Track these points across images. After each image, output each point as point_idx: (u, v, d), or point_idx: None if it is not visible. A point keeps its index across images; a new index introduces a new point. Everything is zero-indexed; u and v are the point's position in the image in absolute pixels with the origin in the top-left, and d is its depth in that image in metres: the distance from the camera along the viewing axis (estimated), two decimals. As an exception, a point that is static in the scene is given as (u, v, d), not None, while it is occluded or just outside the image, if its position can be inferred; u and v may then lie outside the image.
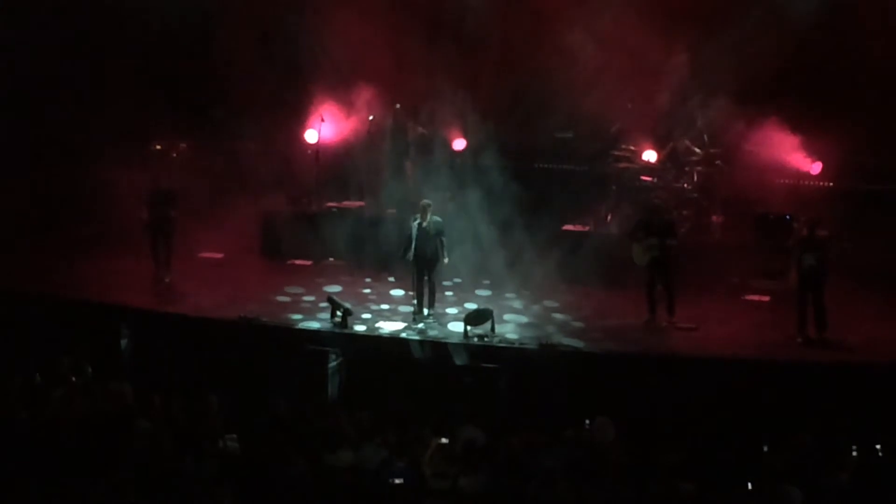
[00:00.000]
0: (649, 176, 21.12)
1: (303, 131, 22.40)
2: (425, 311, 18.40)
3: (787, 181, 20.86)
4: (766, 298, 19.32)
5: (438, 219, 18.31)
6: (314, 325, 18.10)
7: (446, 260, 18.38)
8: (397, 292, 19.77)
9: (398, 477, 12.25)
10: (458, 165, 22.18)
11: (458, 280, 20.15)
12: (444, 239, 18.26)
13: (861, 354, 16.84)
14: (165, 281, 19.78)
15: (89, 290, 18.88)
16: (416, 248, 18.07)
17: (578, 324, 18.55)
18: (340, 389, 16.87)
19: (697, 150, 20.83)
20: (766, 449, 13.42)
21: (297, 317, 18.47)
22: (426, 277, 18.36)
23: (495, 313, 17.98)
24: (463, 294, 19.73)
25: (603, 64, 21.06)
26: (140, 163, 21.91)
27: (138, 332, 17.65)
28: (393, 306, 19.17)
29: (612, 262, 19.76)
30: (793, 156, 20.53)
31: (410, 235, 18.14)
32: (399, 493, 12.13)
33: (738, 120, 20.50)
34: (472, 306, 18.75)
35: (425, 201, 18.41)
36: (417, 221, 18.10)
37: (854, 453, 13.23)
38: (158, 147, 23.88)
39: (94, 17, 22.67)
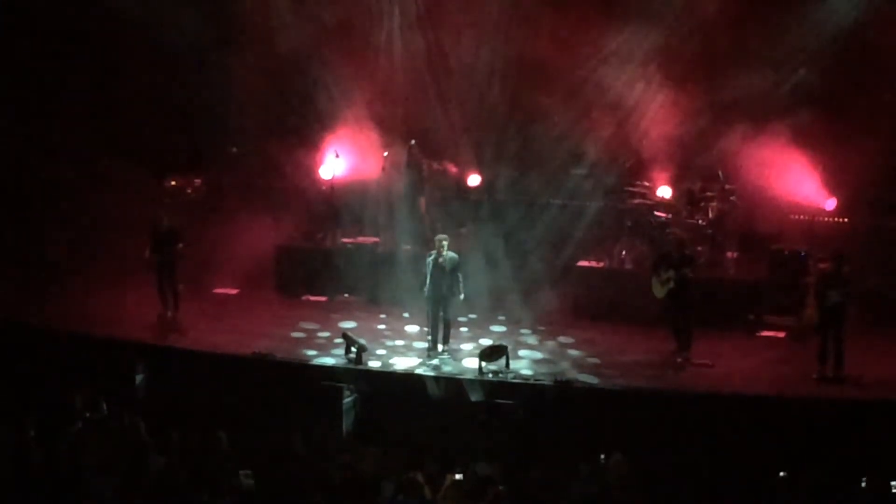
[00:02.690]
0: (664, 212, 21.11)
1: (318, 167, 22.46)
2: (440, 347, 18.35)
3: (801, 217, 20.84)
4: (782, 335, 19.26)
5: (454, 255, 18.23)
6: (329, 361, 18.09)
7: (462, 296, 18.31)
8: (412, 328, 19.73)
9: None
10: (473, 201, 22.21)
11: (472, 316, 20.12)
12: (459, 275, 18.21)
13: (877, 392, 16.73)
14: (167, 315, 19.70)
15: (104, 326, 18.91)
16: (431, 284, 18.04)
17: (593, 360, 18.47)
18: (355, 425, 16.85)
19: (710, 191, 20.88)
20: (780, 484, 13.36)
21: (312, 353, 18.46)
22: (441, 313, 18.31)
23: (510, 349, 17.93)
24: (478, 330, 19.67)
25: (617, 100, 21.15)
26: (156, 199, 21.99)
27: (153, 368, 17.66)
28: (408, 342, 19.13)
29: (627, 298, 19.79)
30: (807, 191, 20.51)
31: (426, 271, 18.15)
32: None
33: (752, 155, 20.50)
34: (486, 342, 18.71)
35: (440, 236, 18.38)
36: (433, 257, 18.10)
37: (864, 484, 13.17)
38: (174, 183, 23.97)
39: (110, 51, 22.82)
